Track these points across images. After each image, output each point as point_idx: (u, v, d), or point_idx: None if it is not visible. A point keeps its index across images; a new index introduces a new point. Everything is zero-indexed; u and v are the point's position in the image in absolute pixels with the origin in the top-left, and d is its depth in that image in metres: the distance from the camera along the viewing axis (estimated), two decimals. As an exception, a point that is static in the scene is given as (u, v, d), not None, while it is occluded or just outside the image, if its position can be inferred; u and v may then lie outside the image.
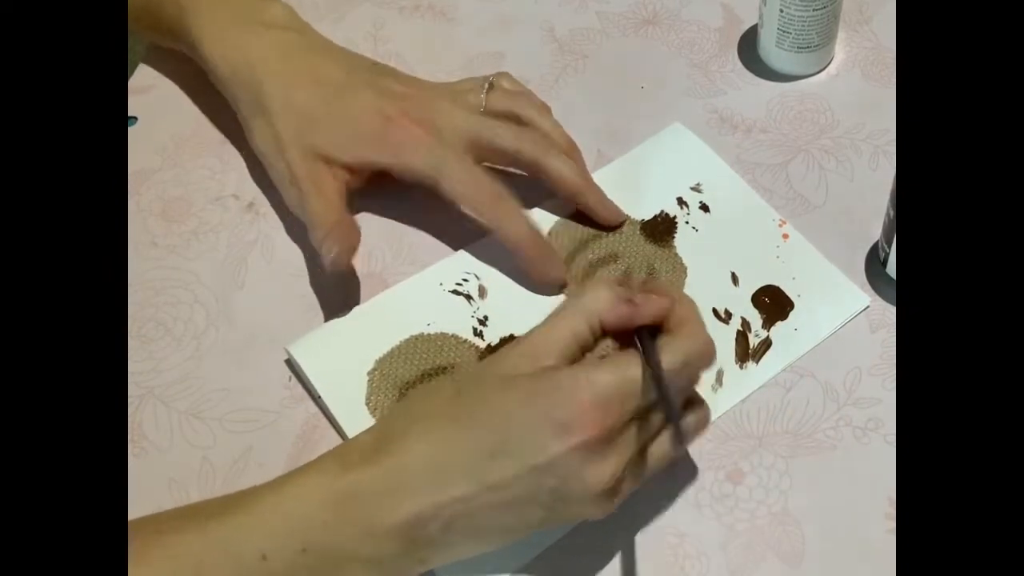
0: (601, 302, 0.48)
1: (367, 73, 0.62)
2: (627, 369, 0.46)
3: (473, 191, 0.58)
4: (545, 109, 0.63)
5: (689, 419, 0.49)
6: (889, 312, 0.59)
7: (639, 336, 0.48)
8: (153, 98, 0.69)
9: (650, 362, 0.46)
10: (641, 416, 0.47)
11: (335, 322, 0.58)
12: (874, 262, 0.60)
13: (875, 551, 0.52)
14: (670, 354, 0.47)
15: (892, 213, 0.57)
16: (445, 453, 0.46)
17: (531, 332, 0.49)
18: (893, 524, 0.52)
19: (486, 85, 0.62)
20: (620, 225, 0.62)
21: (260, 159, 0.62)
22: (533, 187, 0.63)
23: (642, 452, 0.48)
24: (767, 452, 0.55)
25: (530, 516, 0.47)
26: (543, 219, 0.62)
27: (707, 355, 0.48)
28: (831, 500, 0.53)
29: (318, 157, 0.59)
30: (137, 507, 0.53)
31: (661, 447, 0.48)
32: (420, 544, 0.46)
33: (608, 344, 0.49)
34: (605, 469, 0.45)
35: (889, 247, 0.58)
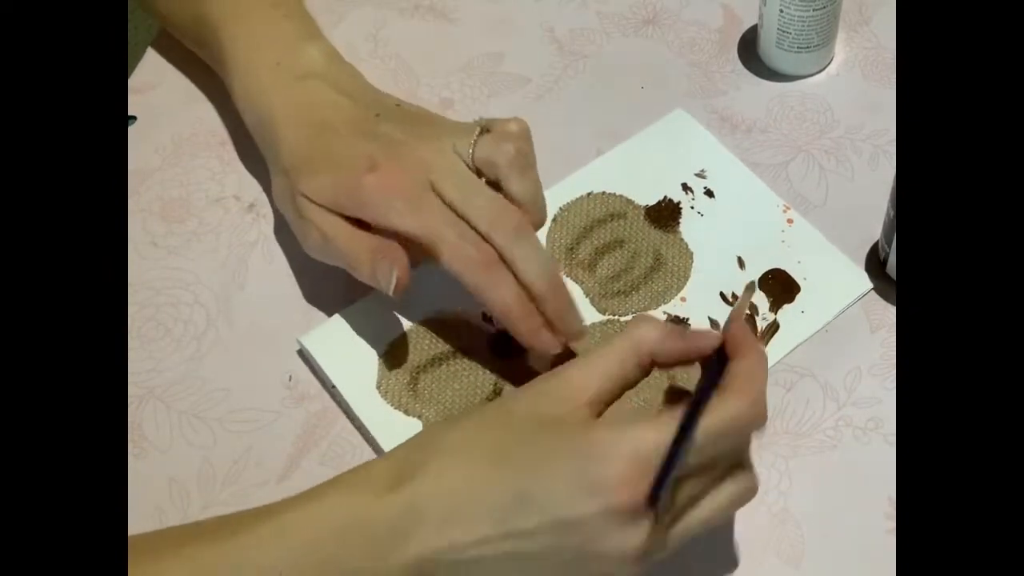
0: (651, 335, 0.46)
1: (371, 120, 0.57)
2: (669, 429, 0.42)
3: (455, 256, 0.53)
4: (525, 164, 0.55)
5: (728, 488, 0.46)
6: (889, 312, 0.59)
7: (707, 380, 0.45)
8: (153, 98, 0.69)
9: (689, 415, 0.42)
10: (685, 481, 0.44)
11: (345, 312, 0.59)
12: (874, 262, 0.60)
13: (875, 551, 0.52)
14: (713, 414, 0.43)
15: (892, 213, 0.57)
16: (469, 490, 0.43)
17: (573, 363, 0.46)
18: (893, 524, 0.52)
19: (478, 129, 0.56)
20: (575, 331, 0.55)
21: (283, 214, 0.59)
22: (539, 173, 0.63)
23: (681, 520, 0.45)
24: (767, 452, 0.55)
25: (546, 571, 0.44)
26: (549, 203, 0.62)
27: (755, 421, 0.44)
28: (831, 500, 0.53)
29: (319, 206, 0.55)
30: (137, 507, 0.53)
31: (699, 515, 0.45)
32: None
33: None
34: (635, 536, 0.42)
35: (889, 247, 0.58)
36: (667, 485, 0.42)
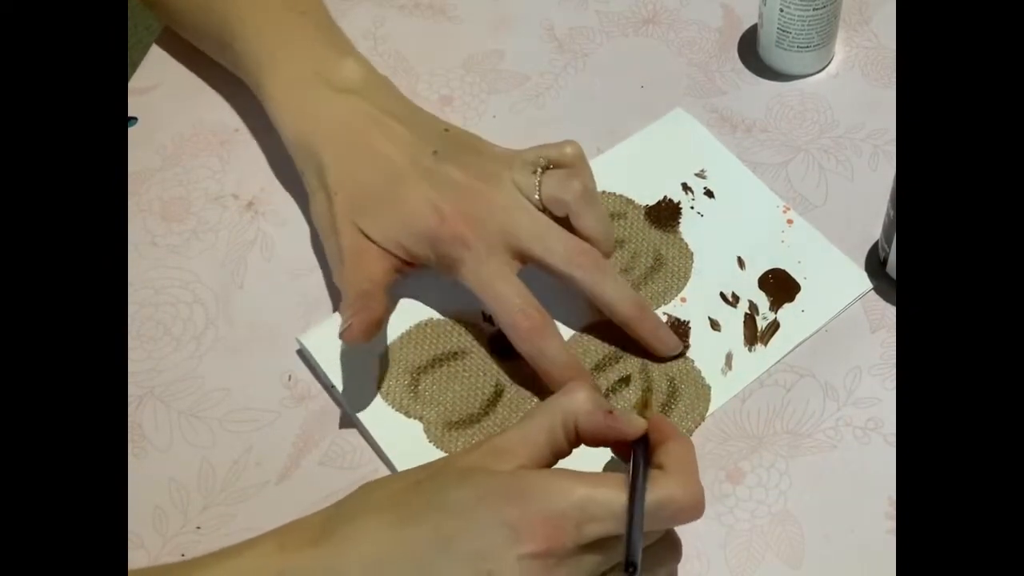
0: (577, 403, 0.46)
1: (429, 157, 0.57)
2: (597, 489, 0.42)
3: (513, 323, 0.54)
4: (593, 199, 0.56)
5: (656, 550, 0.45)
6: (889, 312, 0.59)
7: (634, 458, 0.45)
8: (153, 98, 0.69)
9: (633, 492, 0.42)
10: (602, 545, 0.43)
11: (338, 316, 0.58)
12: (874, 262, 0.60)
13: (875, 551, 0.52)
14: (658, 491, 0.43)
15: (892, 213, 0.57)
16: (389, 547, 0.43)
17: (502, 431, 0.46)
18: (893, 524, 0.52)
19: (541, 162, 0.56)
20: (679, 355, 0.57)
21: (318, 231, 0.59)
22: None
23: None
24: (767, 452, 0.55)
25: None
26: None
27: (697, 507, 0.44)
28: (831, 500, 0.53)
29: (368, 239, 0.56)
30: (137, 507, 0.53)
31: None
32: None
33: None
34: None
35: (889, 247, 0.58)
36: (636, 545, 0.42)
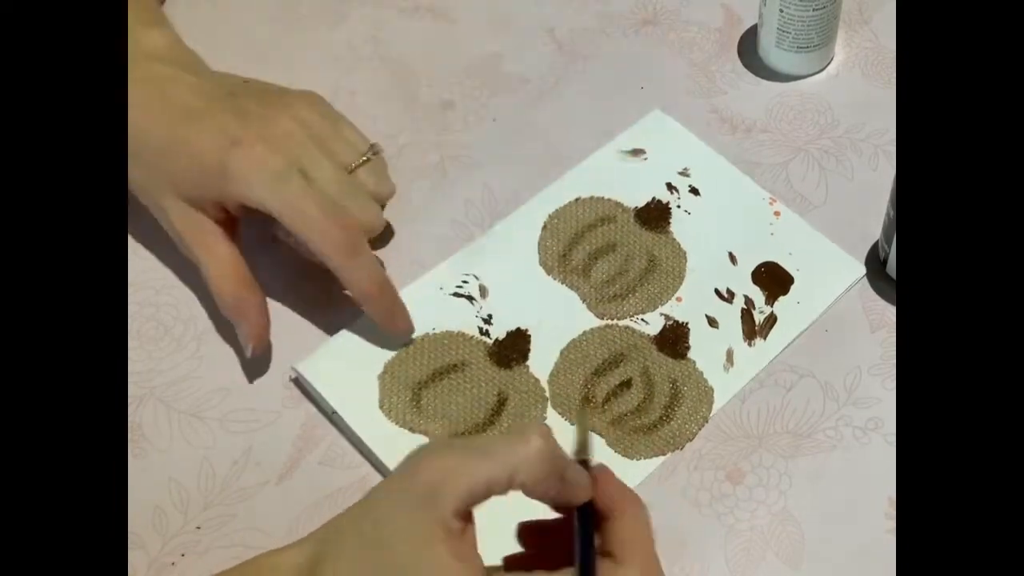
0: (534, 468, 0.41)
1: (227, 97, 0.57)
2: None
3: (322, 236, 0.54)
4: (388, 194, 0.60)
5: None
6: (889, 312, 0.59)
7: (581, 533, 0.42)
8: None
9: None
10: None
11: (339, 336, 0.58)
12: (874, 262, 0.60)
13: (875, 551, 0.52)
14: None
15: (892, 213, 0.57)
16: None
17: (437, 465, 0.41)
18: (893, 524, 0.52)
19: (369, 154, 0.58)
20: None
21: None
22: (539, 174, 0.63)
23: None
24: (767, 452, 0.55)
25: None
26: (537, 211, 0.63)
27: None
28: (831, 500, 0.53)
29: (182, 200, 0.55)
30: (137, 507, 0.53)
31: None
32: None
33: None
34: None
35: (889, 247, 0.58)
36: None
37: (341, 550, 0.42)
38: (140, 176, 0.57)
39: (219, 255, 0.56)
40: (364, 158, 0.58)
